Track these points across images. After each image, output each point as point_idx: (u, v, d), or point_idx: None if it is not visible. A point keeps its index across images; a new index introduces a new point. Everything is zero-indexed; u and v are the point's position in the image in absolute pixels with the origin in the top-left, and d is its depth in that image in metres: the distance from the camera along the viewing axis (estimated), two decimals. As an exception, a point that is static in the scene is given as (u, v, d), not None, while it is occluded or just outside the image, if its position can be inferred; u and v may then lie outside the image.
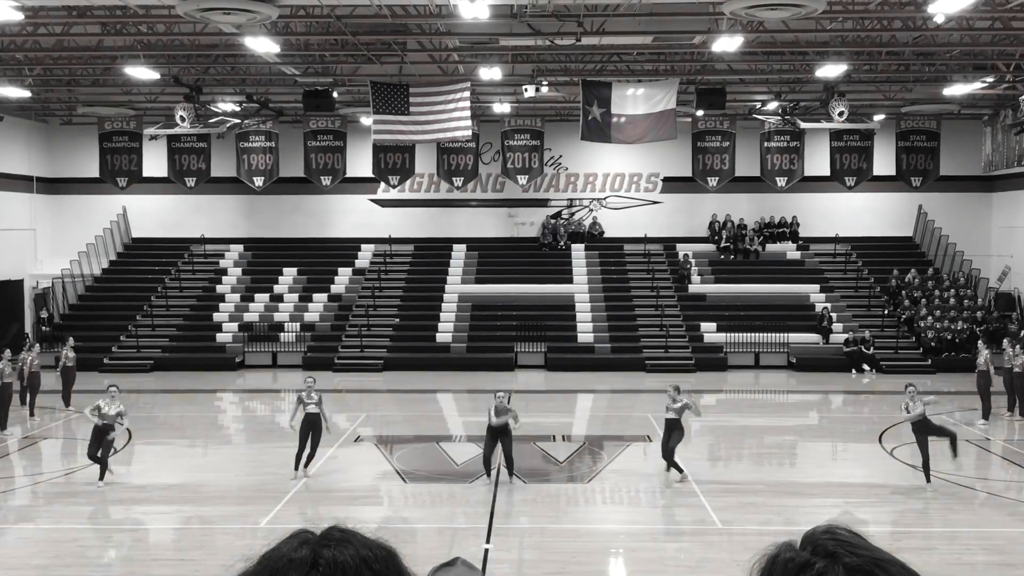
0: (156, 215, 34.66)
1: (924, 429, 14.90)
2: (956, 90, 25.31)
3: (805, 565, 1.43)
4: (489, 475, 15.20)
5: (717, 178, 27.72)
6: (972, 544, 12.39)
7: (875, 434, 19.32)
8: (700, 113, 26.60)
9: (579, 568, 11.39)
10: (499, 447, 15.05)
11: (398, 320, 31.16)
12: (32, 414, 21.05)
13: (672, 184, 34.12)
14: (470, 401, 23.90)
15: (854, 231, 34.01)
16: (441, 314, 31.33)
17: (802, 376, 28.00)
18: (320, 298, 32.14)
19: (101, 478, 14.92)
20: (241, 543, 11.89)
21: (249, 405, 25.32)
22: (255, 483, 15.47)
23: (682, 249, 33.67)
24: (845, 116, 23.50)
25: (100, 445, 14.99)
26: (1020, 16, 19.19)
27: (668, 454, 15.28)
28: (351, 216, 34.77)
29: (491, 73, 23.54)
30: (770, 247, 33.92)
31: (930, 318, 29.46)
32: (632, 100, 22.29)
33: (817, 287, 32.03)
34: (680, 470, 15.24)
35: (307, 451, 15.43)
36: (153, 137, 27.93)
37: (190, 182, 28.58)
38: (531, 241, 34.72)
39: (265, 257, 34.11)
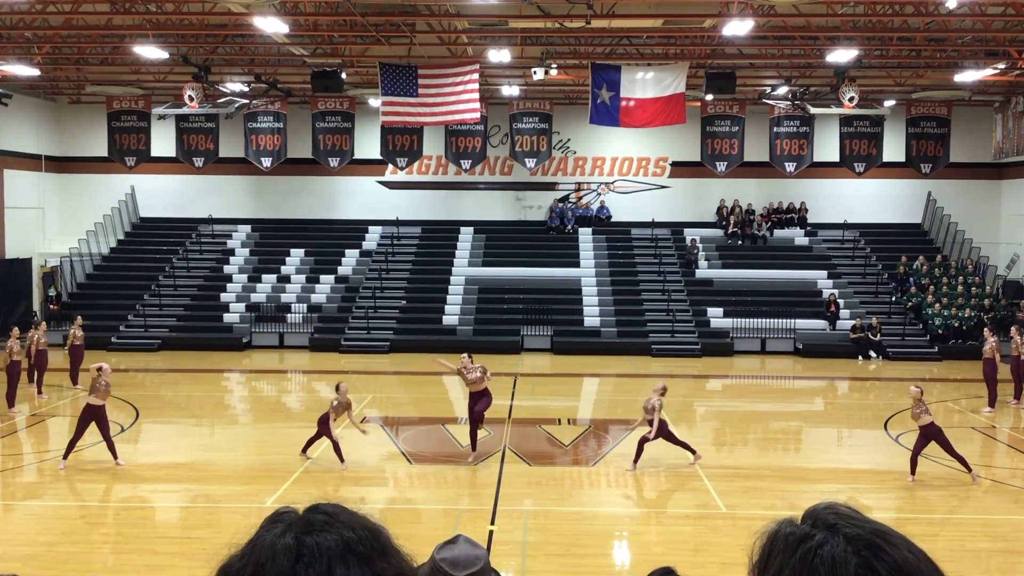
0: (164, 195, 34.72)
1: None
2: (967, 76, 25.15)
3: (805, 537, 1.44)
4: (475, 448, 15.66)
5: (726, 163, 27.67)
6: (976, 531, 12.40)
7: (880, 420, 19.33)
8: (709, 97, 26.50)
9: (583, 550, 11.44)
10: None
11: (405, 302, 31.19)
12: (40, 392, 21.14)
13: (680, 168, 34.04)
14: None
15: (863, 217, 33.92)
16: (448, 297, 31.36)
17: (808, 362, 27.99)
18: (327, 279, 32.20)
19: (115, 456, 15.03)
20: (247, 522, 11.78)
21: (256, 385, 25.40)
22: (261, 462, 15.54)
23: (690, 234, 33.62)
24: (855, 102, 23.37)
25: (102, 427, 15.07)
26: (1033, 2, 19.05)
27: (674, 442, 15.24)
28: (359, 198, 34.77)
29: (500, 55, 23.46)
30: (778, 232, 33.85)
31: (937, 305, 29.40)
32: (641, 84, 22.23)
33: (825, 273, 31.98)
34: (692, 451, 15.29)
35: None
36: (162, 117, 27.95)
37: (198, 162, 28.61)
38: (539, 224, 34.69)
39: (272, 238, 34.15)
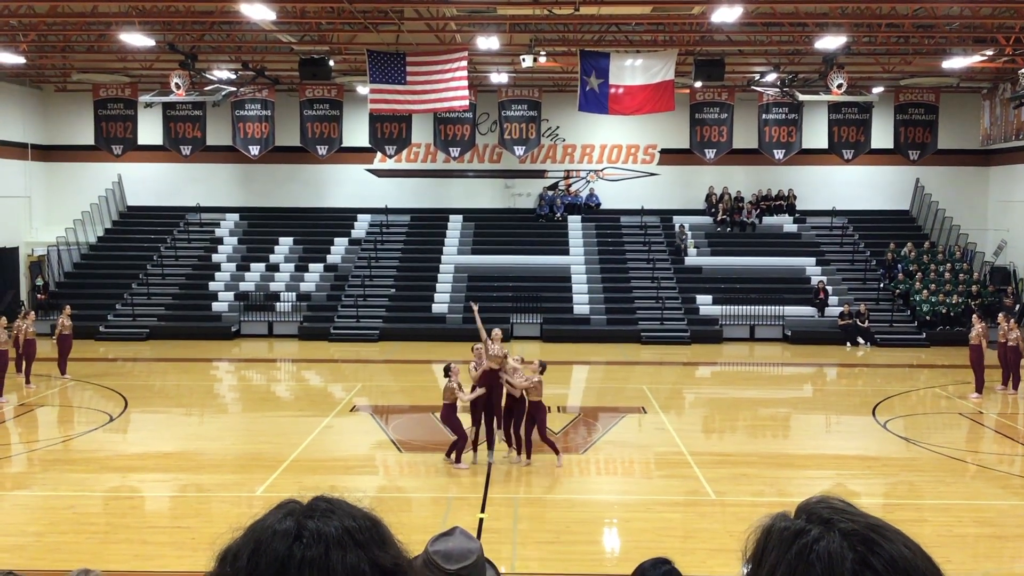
0: (152, 183, 34.54)
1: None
2: (955, 63, 25.19)
3: (800, 532, 1.44)
4: (514, 448, 14.72)
5: (715, 150, 27.67)
6: (963, 516, 12.47)
7: (869, 407, 19.41)
8: (698, 84, 26.48)
9: (573, 537, 11.47)
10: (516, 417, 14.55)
11: (394, 290, 31.15)
12: (28, 382, 21.07)
13: (669, 156, 34.03)
14: (465, 372, 23.90)
15: (851, 204, 33.99)
16: (437, 284, 31.33)
17: (797, 349, 28.08)
18: (316, 268, 32.12)
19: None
20: (237, 511, 11.94)
21: (245, 374, 25.34)
22: (251, 452, 15.52)
23: (679, 221, 33.64)
24: (844, 88, 23.38)
25: None
26: (1021, -11, 19.08)
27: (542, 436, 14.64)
28: (347, 186, 34.68)
29: (489, 43, 23.38)
30: (767, 220, 33.90)
31: (925, 292, 29.52)
32: (630, 71, 22.20)
33: (813, 260, 32.06)
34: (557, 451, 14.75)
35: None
36: (148, 105, 27.78)
37: (186, 150, 28.48)
38: (528, 212, 34.66)
39: (261, 226, 34.03)
